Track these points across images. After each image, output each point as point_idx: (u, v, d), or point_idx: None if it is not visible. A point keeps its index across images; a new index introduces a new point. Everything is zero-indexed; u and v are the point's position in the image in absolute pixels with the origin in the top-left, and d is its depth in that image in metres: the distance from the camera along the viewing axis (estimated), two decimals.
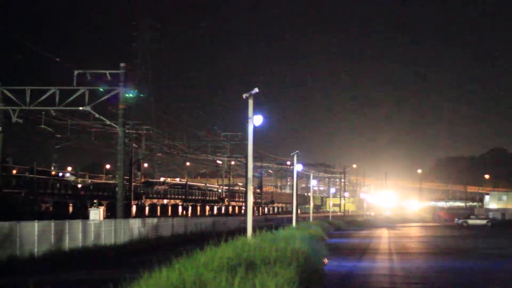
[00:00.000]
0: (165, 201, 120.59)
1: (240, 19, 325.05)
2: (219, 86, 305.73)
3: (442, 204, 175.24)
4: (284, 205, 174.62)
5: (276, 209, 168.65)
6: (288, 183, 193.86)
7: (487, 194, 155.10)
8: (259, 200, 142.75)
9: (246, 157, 60.84)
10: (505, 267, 35.34)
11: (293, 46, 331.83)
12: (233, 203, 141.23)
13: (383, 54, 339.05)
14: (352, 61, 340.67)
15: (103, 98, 54.43)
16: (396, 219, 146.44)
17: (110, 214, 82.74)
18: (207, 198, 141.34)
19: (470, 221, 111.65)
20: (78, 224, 44.73)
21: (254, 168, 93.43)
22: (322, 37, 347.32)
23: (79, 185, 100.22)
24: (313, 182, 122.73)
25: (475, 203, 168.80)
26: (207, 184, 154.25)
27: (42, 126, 61.74)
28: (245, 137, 67.77)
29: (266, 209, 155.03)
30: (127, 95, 54.00)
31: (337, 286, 26.27)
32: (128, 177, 79.18)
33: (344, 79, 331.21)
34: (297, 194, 75.82)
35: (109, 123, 58.69)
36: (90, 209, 65.03)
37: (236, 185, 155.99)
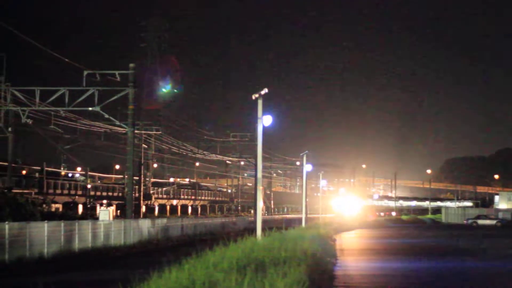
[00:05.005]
0: (175, 202, 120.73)
1: (249, 18, 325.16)
2: (229, 86, 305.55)
3: (450, 204, 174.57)
4: (293, 205, 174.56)
5: (285, 209, 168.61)
6: (298, 183, 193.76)
7: (497, 194, 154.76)
8: (269, 200, 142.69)
9: (255, 157, 60.82)
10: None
11: (302, 46, 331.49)
12: (242, 203, 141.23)
13: (392, 54, 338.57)
14: (360, 61, 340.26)
15: (113, 98, 54.48)
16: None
17: (120, 214, 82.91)
18: (217, 198, 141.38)
19: (480, 221, 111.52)
20: (87, 224, 44.81)
21: (264, 168, 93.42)
22: (330, 37, 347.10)
23: (89, 186, 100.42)
24: (322, 183, 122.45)
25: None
26: (217, 185, 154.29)
27: (52, 127, 61.88)
28: (254, 137, 67.73)
29: (275, 209, 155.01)
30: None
31: (347, 286, 26.21)
32: (137, 178, 79.28)
33: (353, 80, 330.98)
34: (306, 195, 75.81)
35: (119, 123, 58.74)
36: (99, 209, 65.11)
37: (246, 185, 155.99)
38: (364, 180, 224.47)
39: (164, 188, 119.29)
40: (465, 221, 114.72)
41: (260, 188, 35.06)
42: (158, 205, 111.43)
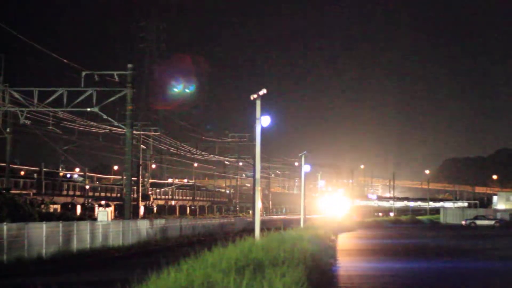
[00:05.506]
0: (173, 202, 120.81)
1: (248, 18, 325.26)
2: (227, 86, 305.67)
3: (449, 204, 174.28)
4: (292, 206, 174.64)
5: (284, 210, 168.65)
6: (296, 184, 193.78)
7: (495, 194, 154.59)
8: (267, 201, 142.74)
9: (253, 158, 60.74)
10: None
11: (300, 47, 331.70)
12: (241, 204, 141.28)
13: (390, 55, 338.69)
14: (359, 62, 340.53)
15: (112, 98, 54.43)
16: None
17: (118, 215, 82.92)
18: (215, 199, 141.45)
19: (478, 222, 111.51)
20: (86, 225, 44.78)
21: (262, 169, 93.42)
22: (329, 39, 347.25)
23: (87, 186, 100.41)
24: (320, 183, 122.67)
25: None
26: (215, 185, 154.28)
27: (50, 128, 61.83)
28: (253, 138, 67.72)
29: (274, 210, 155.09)
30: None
31: (346, 287, 26.21)
32: (136, 178, 79.25)
33: (352, 80, 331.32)
34: (305, 195, 75.75)
35: (117, 124, 58.69)
36: (98, 210, 65.04)
37: (244, 186, 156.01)
38: (363, 180, 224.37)
39: (162, 189, 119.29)
40: (463, 222, 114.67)
41: (258, 189, 35.01)
42: (156, 206, 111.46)
